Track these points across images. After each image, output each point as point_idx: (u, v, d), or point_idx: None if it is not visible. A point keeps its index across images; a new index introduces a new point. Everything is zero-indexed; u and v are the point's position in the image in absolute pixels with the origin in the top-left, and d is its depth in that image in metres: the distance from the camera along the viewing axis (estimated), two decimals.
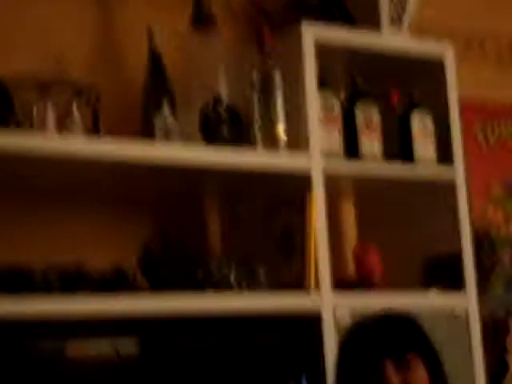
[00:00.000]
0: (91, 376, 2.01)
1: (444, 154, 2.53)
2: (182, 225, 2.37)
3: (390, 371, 1.73)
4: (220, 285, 2.14)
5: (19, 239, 2.15)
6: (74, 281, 1.92)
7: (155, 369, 2.09)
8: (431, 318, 2.32)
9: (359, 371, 1.77)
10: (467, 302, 2.47)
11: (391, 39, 2.51)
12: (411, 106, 2.55)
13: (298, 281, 2.25)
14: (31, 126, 1.96)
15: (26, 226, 2.17)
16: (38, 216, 2.19)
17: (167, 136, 2.13)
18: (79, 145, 1.96)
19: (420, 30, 2.67)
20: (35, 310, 1.86)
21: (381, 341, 1.77)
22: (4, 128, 1.91)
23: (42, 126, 1.94)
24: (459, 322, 2.44)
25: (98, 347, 2.01)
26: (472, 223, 2.83)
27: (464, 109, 2.70)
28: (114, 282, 2.01)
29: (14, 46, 2.24)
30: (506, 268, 3.08)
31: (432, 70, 2.57)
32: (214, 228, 2.48)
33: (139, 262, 2.12)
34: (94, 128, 2.08)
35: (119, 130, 2.10)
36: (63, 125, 1.99)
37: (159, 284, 2.08)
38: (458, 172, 2.53)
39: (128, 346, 2.06)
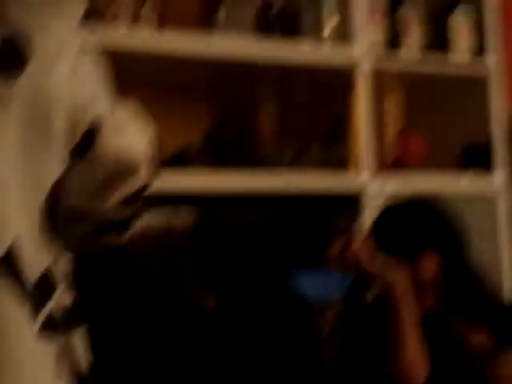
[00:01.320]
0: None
1: (483, 47, 2.71)
2: (239, 113, 2.61)
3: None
4: (273, 164, 2.39)
5: None
6: None
7: (208, 239, 2.36)
8: (463, 199, 2.57)
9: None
10: (497, 184, 2.68)
11: None
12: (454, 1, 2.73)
13: (343, 163, 2.50)
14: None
15: None
16: None
17: (225, 30, 2.35)
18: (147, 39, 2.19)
19: None
20: None
21: (397, 237, 1.97)
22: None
23: (116, 19, 2.17)
24: (489, 201, 2.66)
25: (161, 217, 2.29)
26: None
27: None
28: (181, 160, 2.26)
29: None
30: None
31: None
32: (268, 116, 2.72)
33: (202, 145, 2.37)
34: (160, 22, 2.30)
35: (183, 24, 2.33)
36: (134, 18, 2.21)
37: (220, 162, 2.33)
38: (493, 63, 2.71)
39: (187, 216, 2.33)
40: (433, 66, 2.62)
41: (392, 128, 2.89)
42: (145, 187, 1.19)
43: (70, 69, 1.10)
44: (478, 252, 2.30)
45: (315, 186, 2.39)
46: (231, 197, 2.31)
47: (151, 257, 2.31)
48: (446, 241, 1.99)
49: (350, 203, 2.45)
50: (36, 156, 1.08)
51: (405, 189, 2.43)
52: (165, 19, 2.33)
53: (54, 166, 1.10)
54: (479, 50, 2.70)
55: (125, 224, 1.21)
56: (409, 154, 2.68)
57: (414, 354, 1.85)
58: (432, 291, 1.97)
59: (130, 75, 2.33)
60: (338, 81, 2.50)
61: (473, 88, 2.71)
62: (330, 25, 2.47)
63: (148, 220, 2.26)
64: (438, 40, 2.68)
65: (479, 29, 2.71)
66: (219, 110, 2.59)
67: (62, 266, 1.15)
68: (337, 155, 2.49)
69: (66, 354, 1.12)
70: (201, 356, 2.27)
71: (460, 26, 2.69)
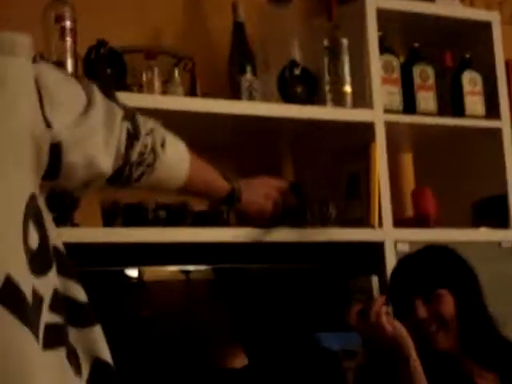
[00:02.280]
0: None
1: (492, 109, 2.86)
2: (262, 170, 2.74)
3: (419, 304, 2.04)
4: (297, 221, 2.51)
5: None
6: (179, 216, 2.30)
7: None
8: (479, 249, 2.69)
9: (394, 304, 2.09)
10: None
11: (445, 7, 2.85)
12: (463, 66, 2.87)
13: (362, 219, 2.62)
14: (140, 88, 2.34)
15: None
16: None
17: (251, 95, 2.51)
18: (180, 104, 2.35)
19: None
20: (147, 239, 2.25)
21: (414, 278, 2.08)
22: (117, 90, 2.30)
23: (150, 88, 2.33)
24: (505, 253, 2.76)
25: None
26: None
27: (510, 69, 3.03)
28: (210, 218, 2.39)
29: (120, 21, 2.62)
30: None
31: (481, 34, 2.89)
32: (289, 174, 2.87)
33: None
34: (191, 90, 2.46)
35: (211, 91, 2.49)
36: (166, 87, 2.37)
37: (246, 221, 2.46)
38: (504, 124, 2.85)
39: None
40: (446, 125, 2.77)
41: (407, 186, 3.03)
42: None
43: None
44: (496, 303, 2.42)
45: (336, 239, 2.51)
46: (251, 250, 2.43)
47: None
48: (461, 283, 2.10)
49: (369, 259, 2.57)
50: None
51: (423, 242, 2.54)
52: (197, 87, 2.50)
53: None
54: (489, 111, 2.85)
55: None
56: (425, 212, 2.80)
57: None
58: (450, 332, 2.07)
59: None
60: (356, 142, 2.64)
61: (485, 146, 2.85)
62: (348, 90, 2.62)
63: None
64: (450, 102, 2.82)
65: (489, 90, 2.86)
66: (243, 169, 2.73)
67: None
68: (356, 212, 2.62)
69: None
70: None
71: (470, 87, 2.84)
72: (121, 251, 2.23)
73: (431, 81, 2.79)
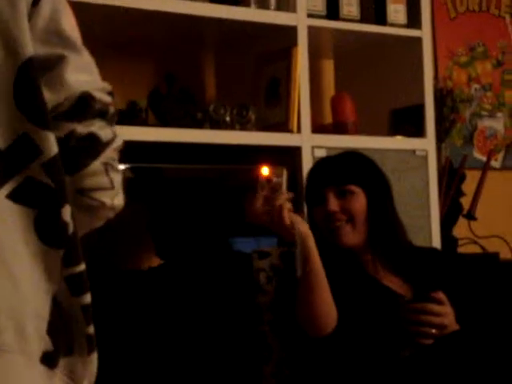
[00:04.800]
0: None
1: (413, 18, 2.87)
2: (184, 72, 2.73)
3: (331, 197, 2.10)
4: (215, 123, 2.51)
5: None
6: None
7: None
8: (394, 157, 2.74)
9: (309, 197, 2.17)
10: (427, 145, 2.85)
11: None
12: None
13: (282, 124, 2.63)
14: None
15: None
16: None
17: None
18: None
19: None
20: None
21: (328, 172, 2.14)
22: None
23: None
24: (419, 160, 2.82)
25: None
26: (437, 82, 3.21)
27: None
28: (129, 116, 2.37)
29: None
30: (466, 125, 3.48)
31: None
32: (212, 76, 2.85)
33: (149, 101, 2.48)
34: None
35: None
36: None
37: (165, 120, 2.45)
38: (425, 34, 2.87)
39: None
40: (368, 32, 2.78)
41: (327, 93, 3.04)
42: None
43: None
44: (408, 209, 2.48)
45: (255, 142, 2.52)
46: (174, 151, 2.43)
47: None
48: (373, 184, 2.16)
49: (287, 164, 2.59)
50: None
51: (340, 148, 2.57)
52: None
53: None
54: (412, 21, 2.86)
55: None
56: (343, 119, 2.82)
57: (321, 303, 1.98)
58: (358, 229, 2.12)
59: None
60: (278, 45, 2.63)
61: (405, 54, 2.88)
62: None
63: None
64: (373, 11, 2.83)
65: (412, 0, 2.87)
66: (166, 68, 2.70)
67: None
68: (275, 116, 2.63)
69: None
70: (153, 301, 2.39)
71: None
72: None
73: None
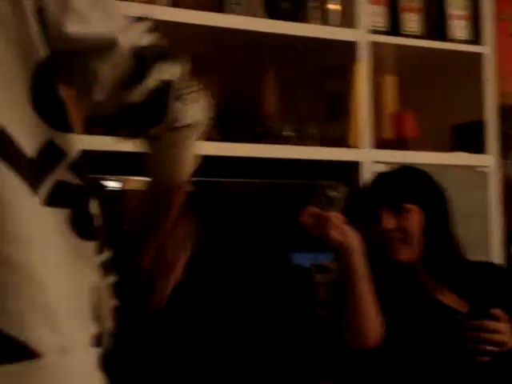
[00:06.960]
0: None
1: (476, 34, 2.86)
2: (245, 87, 2.75)
3: (386, 214, 2.10)
4: (276, 138, 2.53)
5: None
6: None
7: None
8: (455, 173, 2.72)
9: (365, 215, 2.15)
10: (488, 161, 2.83)
11: None
12: None
13: (342, 139, 2.64)
14: None
15: None
16: None
17: (234, 9, 2.49)
18: (164, 14, 2.32)
19: None
20: None
21: (383, 190, 2.13)
22: None
23: None
24: (480, 176, 2.80)
25: None
26: (500, 97, 3.18)
27: None
28: None
29: None
30: None
31: None
32: (272, 92, 2.87)
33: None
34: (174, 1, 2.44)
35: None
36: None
37: (226, 134, 2.48)
38: (488, 49, 2.86)
39: None
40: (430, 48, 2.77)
41: (388, 107, 3.04)
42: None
43: None
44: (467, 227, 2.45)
45: (314, 157, 2.53)
46: (234, 165, 2.45)
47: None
48: (431, 202, 2.14)
49: (347, 179, 2.59)
50: None
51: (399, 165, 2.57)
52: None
53: None
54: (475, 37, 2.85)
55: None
56: (405, 135, 2.81)
57: (362, 317, 1.96)
58: (413, 246, 2.11)
59: None
60: (340, 61, 2.65)
61: (468, 70, 2.86)
62: (333, 9, 2.62)
63: None
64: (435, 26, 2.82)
65: (474, 16, 2.86)
66: (226, 84, 2.73)
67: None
68: (336, 131, 2.64)
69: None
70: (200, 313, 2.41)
71: (456, 13, 2.83)
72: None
73: (417, 2, 2.78)
